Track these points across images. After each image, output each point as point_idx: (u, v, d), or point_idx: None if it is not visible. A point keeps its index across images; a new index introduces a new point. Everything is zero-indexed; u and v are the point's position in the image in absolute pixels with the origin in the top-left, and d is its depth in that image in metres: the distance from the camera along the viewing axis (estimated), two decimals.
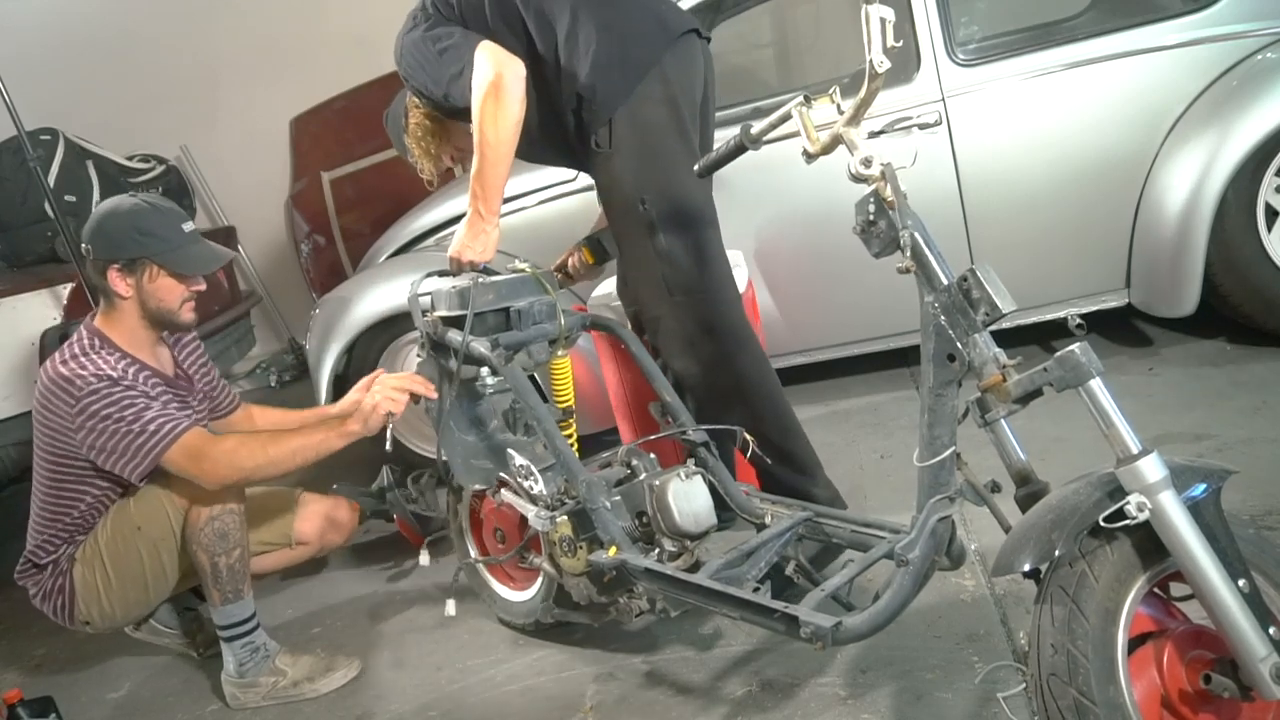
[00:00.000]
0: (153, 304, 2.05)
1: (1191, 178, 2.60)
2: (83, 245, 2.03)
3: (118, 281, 2.01)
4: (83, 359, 1.99)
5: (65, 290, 3.23)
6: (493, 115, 1.91)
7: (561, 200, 3.04)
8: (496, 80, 1.89)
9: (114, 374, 1.96)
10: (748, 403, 2.04)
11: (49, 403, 2.00)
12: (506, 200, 2.07)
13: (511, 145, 1.94)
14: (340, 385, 3.11)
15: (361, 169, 5.21)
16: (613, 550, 1.73)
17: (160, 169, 4.83)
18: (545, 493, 1.86)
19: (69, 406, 1.96)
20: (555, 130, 2.08)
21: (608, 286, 2.57)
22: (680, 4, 2.83)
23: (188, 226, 2.06)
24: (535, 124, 2.04)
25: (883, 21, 1.22)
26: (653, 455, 1.92)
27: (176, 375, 2.21)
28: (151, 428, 1.94)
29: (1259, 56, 2.61)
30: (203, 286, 2.12)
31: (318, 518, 2.43)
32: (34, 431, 2.09)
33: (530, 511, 1.88)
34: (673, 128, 1.98)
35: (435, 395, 1.97)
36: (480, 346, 1.87)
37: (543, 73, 2.01)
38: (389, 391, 1.95)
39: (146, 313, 2.06)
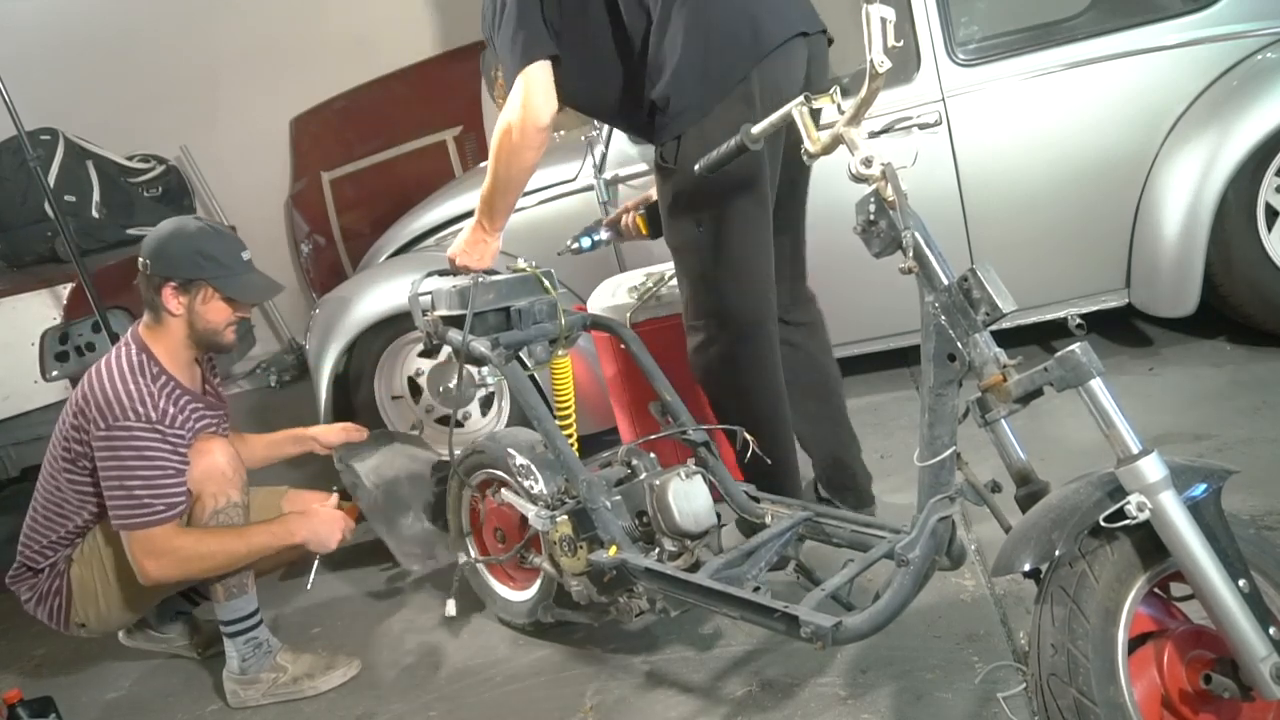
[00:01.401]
0: (200, 324, 2.08)
1: (1191, 178, 2.60)
2: (141, 260, 2.06)
3: (171, 299, 2.05)
4: (130, 381, 1.99)
5: (65, 290, 3.23)
6: (507, 153, 1.86)
7: (561, 200, 3.04)
8: (520, 123, 1.82)
9: (154, 414, 1.97)
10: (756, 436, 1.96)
11: (84, 411, 2.01)
12: None
13: (520, 185, 1.92)
14: (340, 385, 3.11)
15: (361, 169, 5.22)
16: (613, 550, 1.73)
17: (160, 169, 4.83)
18: (545, 492, 1.87)
19: (101, 423, 1.97)
20: (632, 110, 1.94)
21: (607, 286, 2.57)
22: None
23: (245, 255, 2.11)
24: (610, 97, 1.95)
25: (883, 21, 1.22)
26: (653, 455, 1.92)
27: (206, 393, 2.23)
28: (134, 500, 1.96)
29: (1259, 56, 2.61)
30: (249, 314, 2.18)
31: None
32: (56, 431, 2.10)
33: (530, 511, 1.88)
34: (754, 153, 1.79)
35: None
36: (481, 346, 1.87)
37: (630, 52, 1.88)
38: (337, 530, 2.18)
39: (192, 332, 2.09)
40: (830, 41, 1.97)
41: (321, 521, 2.15)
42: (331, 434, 2.49)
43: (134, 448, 1.96)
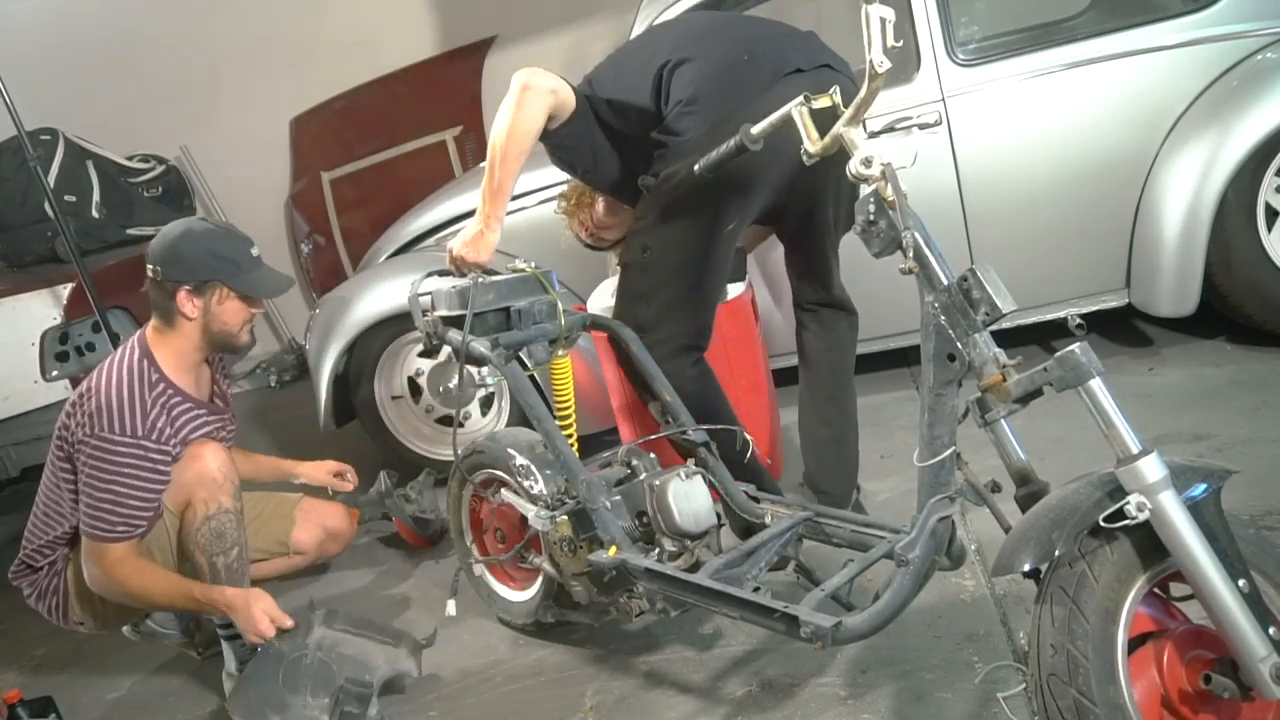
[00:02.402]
0: (216, 326, 2.06)
1: (1191, 178, 2.60)
2: (150, 266, 2.02)
3: (186, 303, 2.02)
4: (125, 389, 1.97)
5: (65, 290, 3.23)
6: (505, 121, 1.91)
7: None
8: (529, 77, 1.91)
9: (141, 429, 1.95)
10: None
11: (74, 413, 2.01)
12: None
13: (516, 153, 1.94)
14: (340, 385, 3.11)
15: (361, 169, 5.22)
16: (613, 550, 1.73)
17: (160, 169, 4.83)
18: (545, 492, 1.87)
19: (88, 427, 1.96)
20: (634, 182, 2.08)
21: (607, 286, 2.57)
22: (678, 6, 2.83)
23: (255, 251, 2.10)
24: (617, 174, 2.11)
25: (883, 21, 1.22)
26: (653, 455, 1.92)
27: (213, 397, 2.21)
28: (98, 512, 1.95)
29: (1259, 56, 2.61)
30: (261, 310, 2.16)
31: (316, 528, 2.40)
32: (55, 431, 2.09)
33: (530, 511, 1.88)
34: (716, 199, 1.94)
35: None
36: (481, 346, 1.87)
37: (638, 133, 2.03)
38: (259, 634, 1.93)
39: (208, 335, 2.07)
40: (835, 69, 2.00)
41: (253, 617, 1.95)
42: (318, 472, 2.44)
43: (112, 462, 1.94)
